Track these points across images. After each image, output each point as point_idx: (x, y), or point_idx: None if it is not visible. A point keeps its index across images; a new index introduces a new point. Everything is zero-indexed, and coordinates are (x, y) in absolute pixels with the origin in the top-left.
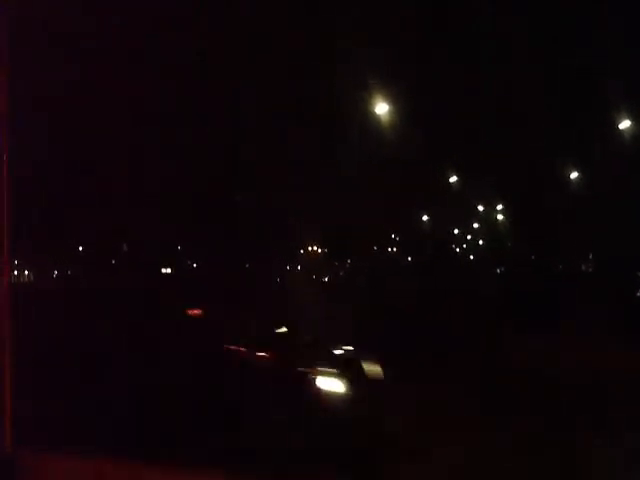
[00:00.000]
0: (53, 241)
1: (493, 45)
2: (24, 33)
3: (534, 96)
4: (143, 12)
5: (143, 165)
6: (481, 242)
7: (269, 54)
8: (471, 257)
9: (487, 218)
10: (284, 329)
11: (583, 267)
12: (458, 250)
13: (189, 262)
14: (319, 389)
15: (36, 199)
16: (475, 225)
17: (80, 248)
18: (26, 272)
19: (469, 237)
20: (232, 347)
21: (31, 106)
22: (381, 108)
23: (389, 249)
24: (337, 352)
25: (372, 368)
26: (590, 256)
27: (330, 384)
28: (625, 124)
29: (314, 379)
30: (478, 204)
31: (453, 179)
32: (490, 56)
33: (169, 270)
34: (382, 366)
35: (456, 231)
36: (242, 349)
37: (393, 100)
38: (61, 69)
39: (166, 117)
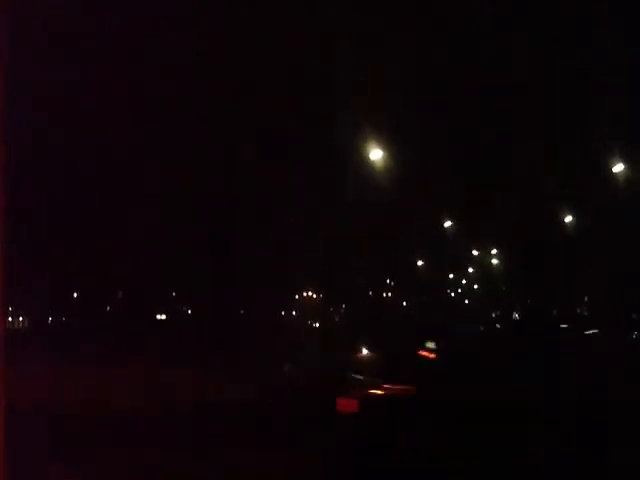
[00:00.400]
0: (49, 287)
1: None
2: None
3: (528, 141)
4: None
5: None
6: (476, 286)
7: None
8: (466, 301)
9: (482, 262)
10: None
11: (578, 310)
12: (453, 294)
13: (183, 308)
14: None
15: (34, 244)
16: (470, 270)
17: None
18: (20, 318)
19: (464, 281)
20: None
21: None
22: (375, 154)
23: (384, 294)
24: None
25: None
26: (585, 299)
27: None
28: (619, 168)
29: None
30: (473, 249)
31: (447, 224)
32: (485, 105)
33: (164, 316)
34: None
35: (451, 276)
36: None
37: (388, 146)
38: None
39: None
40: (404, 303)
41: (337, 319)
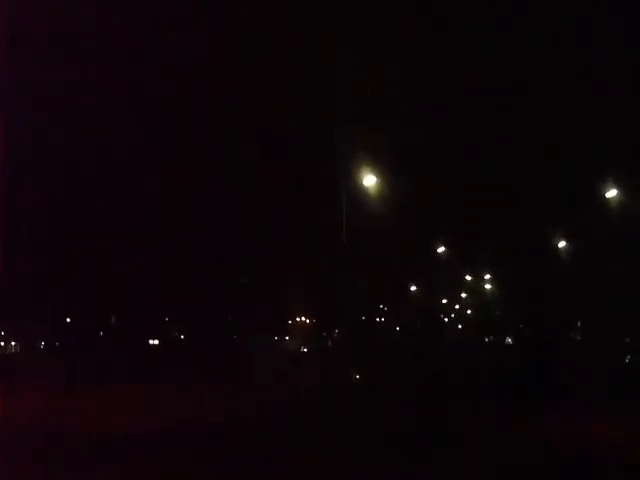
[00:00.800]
0: (40, 312)
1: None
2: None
3: (517, 169)
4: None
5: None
6: (469, 311)
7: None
8: (459, 326)
9: (475, 288)
10: None
11: (571, 334)
12: (447, 320)
13: (176, 334)
14: None
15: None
16: (463, 295)
17: (68, 319)
18: (13, 343)
19: (457, 307)
20: None
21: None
22: (369, 180)
23: (377, 319)
24: None
25: None
26: (578, 324)
27: None
28: (612, 193)
29: None
30: (466, 274)
31: (441, 249)
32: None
33: (156, 342)
34: None
35: (444, 301)
36: None
37: (381, 173)
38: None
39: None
40: (397, 328)
41: (330, 343)
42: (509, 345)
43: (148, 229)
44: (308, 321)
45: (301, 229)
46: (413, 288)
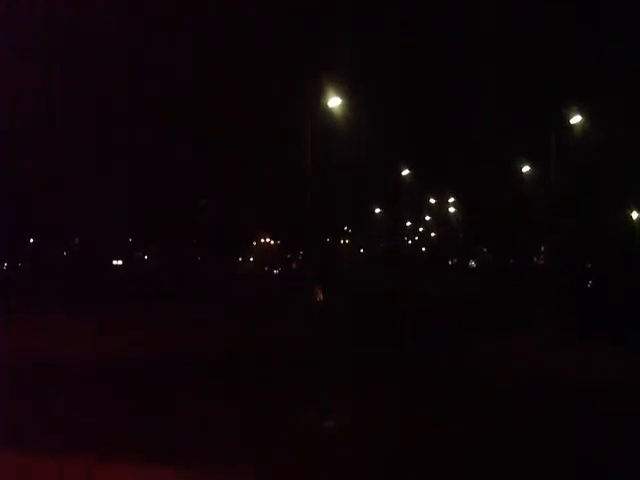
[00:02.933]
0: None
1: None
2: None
3: (486, 89)
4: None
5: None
6: (433, 234)
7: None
8: (423, 249)
9: (439, 210)
10: None
11: (535, 259)
12: (410, 242)
13: (140, 254)
14: None
15: None
16: (427, 217)
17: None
18: None
19: (421, 229)
20: None
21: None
22: (334, 102)
23: (342, 241)
24: None
25: None
26: (542, 248)
27: None
28: (576, 119)
29: None
30: (430, 197)
31: (405, 172)
32: (445, 50)
33: (120, 262)
34: None
35: (408, 223)
36: None
37: (347, 93)
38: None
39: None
40: (361, 250)
41: (294, 265)
42: (473, 269)
43: (112, 151)
44: (272, 242)
45: (265, 148)
46: (377, 210)
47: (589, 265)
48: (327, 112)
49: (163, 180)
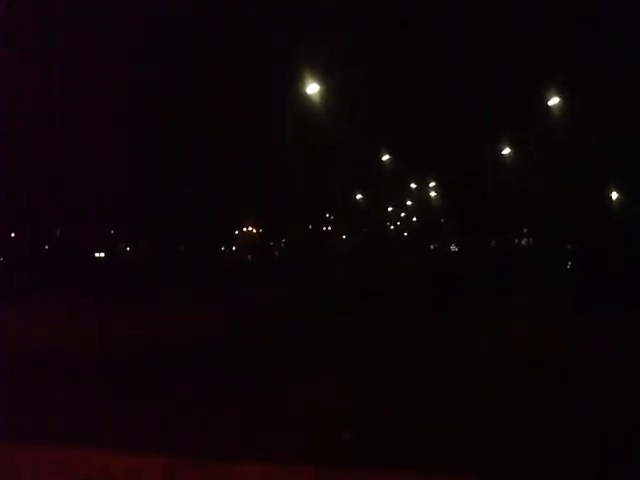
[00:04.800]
0: None
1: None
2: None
3: (467, 72)
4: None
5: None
6: (414, 219)
7: None
8: (405, 234)
9: (420, 195)
10: None
11: (516, 241)
12: (392, 227)
13: (123, 245)
14: None
15: None
16: (408, 202)
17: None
18: None
19: (402, 214)
20: None
21: None
22: (312, 88)
23: (324, 228)
24: None
25: None
26: (524, 230)
27: None
28: (554, 101)
29: None
30: (411, 182)
31: (385, 157)
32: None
33: (102, 254)
34: None
35: (390, 208)
36: None
37: (325, 79)
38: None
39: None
40: (343, 237)
41: (277, 253)
42: (454, 253)
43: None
44: (255, 231)
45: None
46: (359, 197)
47: (569, 246)
48: (305, 98)
49: (146, 168)
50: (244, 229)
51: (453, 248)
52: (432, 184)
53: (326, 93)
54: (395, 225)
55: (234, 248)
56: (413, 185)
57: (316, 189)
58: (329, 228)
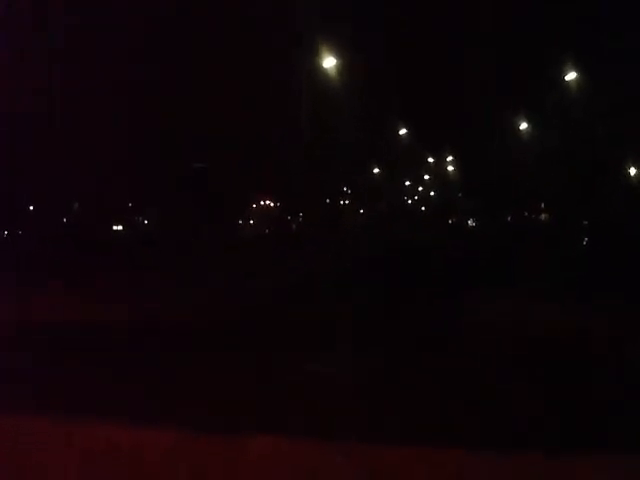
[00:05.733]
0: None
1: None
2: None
3: (484, 47)
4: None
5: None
6: (432, 193)
7: None
8: (422, 208)
9: (437, 170)
10: None
11: (533, 216)
12: (410, 202)
13: (140, 219)
14: None
15: None
16: (426, 177)
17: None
18: None
19: (420, 189)
20: None
21: None
22: (329, 62)
23: (341, 202)
24: None
25: None
26: (542, 205)
27: None
28: (571, 76)
29: None
30: (428, 156)
31: (403, 131)
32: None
33: (120, 227)
34: None
35: (407, 183)
36: None
37: (341, 53)
38: None
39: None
40: (361, 211)
41: (294, 227)
42: (472, 228)
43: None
44: (272, 205)
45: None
46: (376, 170)
47: (585, 222)
48: (323, 72)
49: (162, 144)
50: (262, 202)
51: (471, 223)
52: (450, 158)
53: (343, 67)
54: (412, 200)
55: (252, 222)
56: (430, 159)
57: (333, 165)
58: (346, 202)
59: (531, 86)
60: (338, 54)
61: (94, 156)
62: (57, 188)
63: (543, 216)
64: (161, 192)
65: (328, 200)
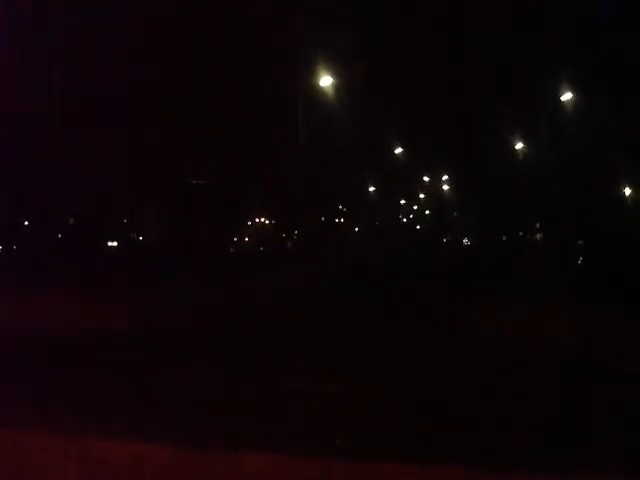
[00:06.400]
0: None
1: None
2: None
3: (479, 68)
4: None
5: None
6: (427, 212)
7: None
8: (417, 227)
9: (433, 189)
10: None
11: (528, 236)
12: (405, 220)
13: (135, 235)
14: None
15: None
16: (421, 195)
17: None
18: None
19: (415, 207)
20: None
21: None
22: (325, 81)
23: (336, 220)
24: None
25: None
26: (537, 225)
27: None
28: (567, 96)
29: None
30: (424, 175)
31: (398, 150)
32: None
33: (115, 243)
34: None
35: (402, 202)
36: None
37: (338, 73)
38: None
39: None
40: (356, 229)
41: (290, 245)
42: (468, 246)
43: (104, 130)
44: (267, 222)
45: (258, 129)
46: (371, 189)
47: (580, 242)
48: (319, 91)
49: (160, 160)
50: (257, 220)
51: (466, 242)
52: (445, 177)
53: (339, 86)
54: (408, 218)
55: (246, 239)
56: (426, 178)
57: (329, 181)
58: (342, 220)
59: (527, 105)
60: (335, 73)
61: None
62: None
63: (538, 236)
64: (159, 206)
65: (323, 218)
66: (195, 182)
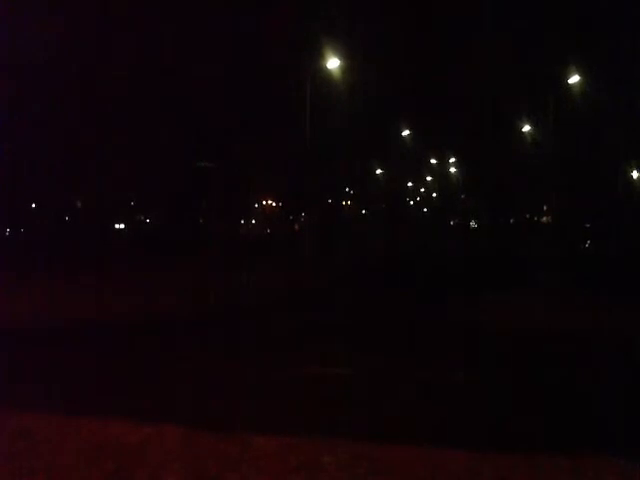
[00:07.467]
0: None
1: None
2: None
3: (487, 47)
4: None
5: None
6: (434, 195)
7: None
8: (424, 210)
9: (440, 171)
10: None
11: (535, 218)
12: (412, 203)
13: (142, 217)
14: None
15: None
16: (428, 178)
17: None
18: None
19: (422, 190)
20: None
21: None
22: (333, 63)
23: (343, 202)
24: None
25: None
26: (544, 208)
27: None
28: (574, 79)
29: None
30: (431, 157)
31: (405, 133)
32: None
33: (122, 226)
34: None
35: (410, 184)
36: None
37: (345, 55)
38: None
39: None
40: (363, 211)
41: (297, 227)
42: (474, 229)
43: (114, 116)
44: (274, 204)
45: (266, 109)
46: (379, 171)
47: (588, 225)
48: (326, 73)
49: (166, 143)
50: (264, 202)
51: (473, 224)
52: (452, 160)
53: (346, 68)
54: (414, 200)
55: (253, 221)
56: (433, 161)
57: (335, 163)
58: (349, 202)
59: (535, 88)
60: (342, 55)
61: (98, 152)
62: (59, 183)
63: (545, 218)
64: (165, 190)
65: (330, 200)
66: (203, 164)
